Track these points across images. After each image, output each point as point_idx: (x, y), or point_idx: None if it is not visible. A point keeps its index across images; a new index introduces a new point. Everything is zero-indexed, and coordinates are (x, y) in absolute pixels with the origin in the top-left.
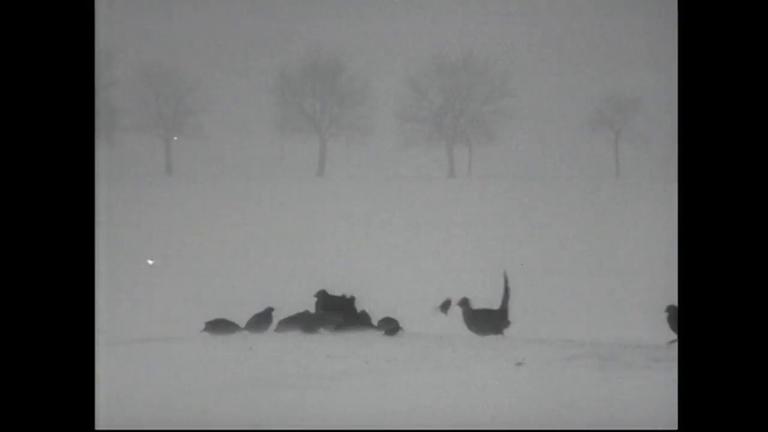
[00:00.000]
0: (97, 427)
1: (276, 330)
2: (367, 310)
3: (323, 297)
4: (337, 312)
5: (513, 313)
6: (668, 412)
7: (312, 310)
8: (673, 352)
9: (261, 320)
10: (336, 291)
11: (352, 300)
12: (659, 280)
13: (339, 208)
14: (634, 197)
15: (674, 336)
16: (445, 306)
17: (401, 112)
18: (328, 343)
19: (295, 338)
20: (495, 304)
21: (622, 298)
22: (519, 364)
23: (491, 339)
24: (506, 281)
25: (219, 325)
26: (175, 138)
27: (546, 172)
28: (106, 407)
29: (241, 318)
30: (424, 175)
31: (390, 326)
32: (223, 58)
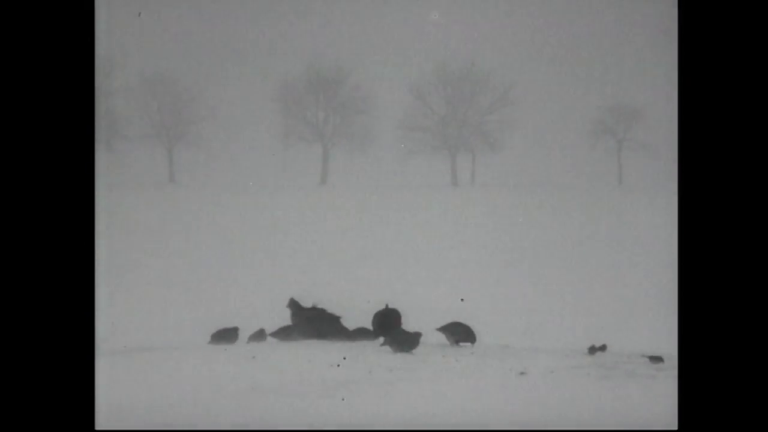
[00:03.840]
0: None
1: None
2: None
3: None
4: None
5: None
6: (668, 413)
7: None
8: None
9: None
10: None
11: None
12: (662, 288)
13: (341, 216)
14: (637, 206)
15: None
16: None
17: (404, 122)
18: (331, 352)
19: (298, 347)
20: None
21: (625, 306)
22: (522, 373)
23: (495, 348)
24: None
25: (223, 335)
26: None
27: (549, 180)
28: (106, 415)
29: (243, 327)
30: (428, 183)
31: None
32: (225, 67)
